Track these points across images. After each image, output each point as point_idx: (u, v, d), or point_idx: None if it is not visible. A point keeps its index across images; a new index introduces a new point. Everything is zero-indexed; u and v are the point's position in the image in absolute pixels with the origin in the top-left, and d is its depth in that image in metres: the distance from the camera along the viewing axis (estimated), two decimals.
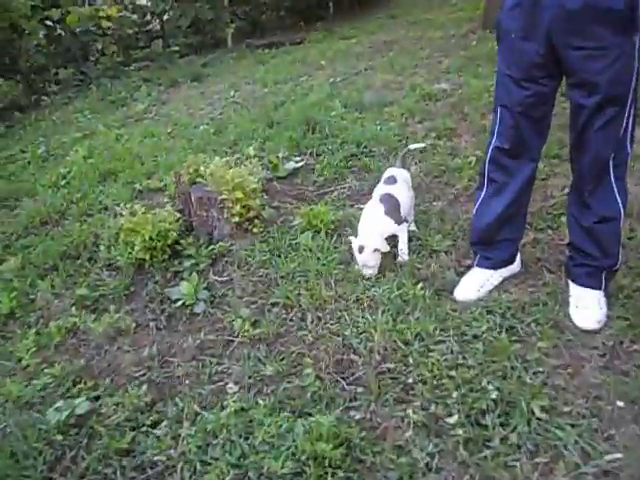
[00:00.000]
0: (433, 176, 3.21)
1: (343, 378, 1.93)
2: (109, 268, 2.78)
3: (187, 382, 2.02)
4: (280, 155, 3.50)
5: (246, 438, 1.70)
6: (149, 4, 7.40)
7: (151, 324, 2.37)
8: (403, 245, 2.46)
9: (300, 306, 2.27)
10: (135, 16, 7.71)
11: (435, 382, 1.83)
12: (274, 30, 8.82)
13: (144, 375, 2.06)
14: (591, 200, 1.98)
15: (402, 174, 2.67)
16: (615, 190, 1.95)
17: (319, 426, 1.63)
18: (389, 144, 3.56)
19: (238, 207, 2.65)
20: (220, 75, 6.31)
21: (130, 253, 2.69)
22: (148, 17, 8.06)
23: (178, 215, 2.80)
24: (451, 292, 2.25)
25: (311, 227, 2.70)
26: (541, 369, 1.83)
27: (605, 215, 1.97)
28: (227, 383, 1.99)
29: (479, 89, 4.39)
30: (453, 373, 1.84)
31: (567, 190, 2.85)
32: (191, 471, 1.63)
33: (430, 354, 1.93)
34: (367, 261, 2.33)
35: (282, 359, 2.05)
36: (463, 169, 3.20)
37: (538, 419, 1.65)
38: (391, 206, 2.43)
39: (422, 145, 3.17)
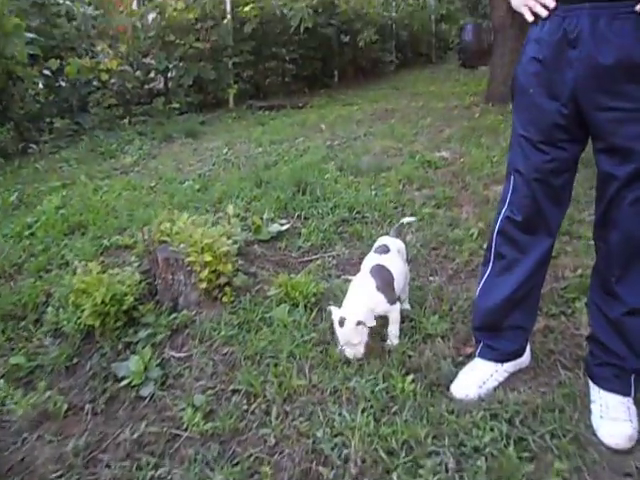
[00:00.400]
0: (431, 248, 2.90)
1: None
2: (54, 334, 2.41)
3: None
4: (264, 217, 3.20)
5: None
6: (153, 61, 7.39)
7: (87, 407, 1.97)
8: (394, 327, 2.10)
9: (265, 396, 1.88)
10: (139, 72, 7.70)
11: None
12: (277, 94, 8.84)
13: (61, 478, 1.65)
14: (619, 288, 1.64)
15: (396, 243, 2.36)
16: None
17: None
18: (384, 211, 3.28)
19: (206, 272, 2.32)
20: (216, 133, 6.17)
21: (79, 318, 2.33)
22: (152, 74, 8.06)
23: (139, 277, 2.46)
24: (447, 387, 1.87)
25: (289, 299, 2.35)
26: None
27: (636, 307, 1.63)
28: None
29: (481, 159, 4.19)
30: None
31: (580, 271, 2.58)
32: None
33: (419, 471, 1.53)
34: (349, 337, 1.94)
35: (236, 464, 1.64)
36: (464, 242, 2.90)
37: None
38: (384, 281, 2.08)
39: (413, 219, 2.84)
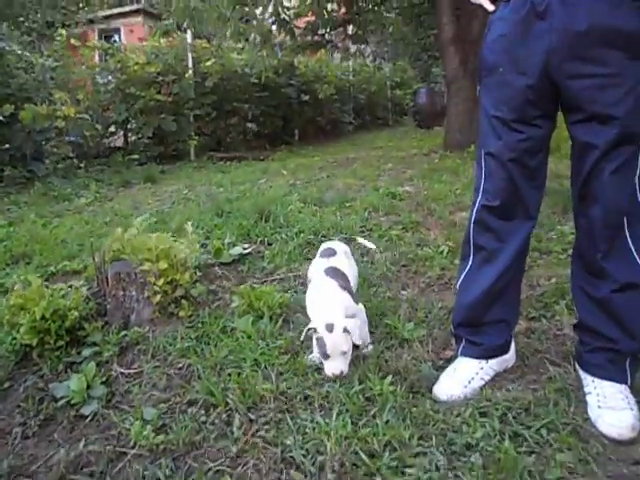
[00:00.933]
0: (401, 265, 2.78)
1: None
2: None
3: None
4: (226, 241, 3.04)
5: None
6: (113, 114, 7.34)
7: (16, 430, 1.68)
8: (364, 332, 1.90)
9: (227, 404, 1.65)
10: (99, 126, 7.62)
11: None
12: (239, 149, 8.88)
13: None
14: (607, 264, 1.54)
15: (340, 246, 2.22)
16: (633, 249, 1.53)
17: None
18: (351, 231, 3.17)
19: (161, 282, 2.11)
20: (176, 179, 6.05)
21: (14, 339, 2.06)
22: (112, 129, 7.99)
23: (86, 293, 2.23)
24: (429, 390, 1.69)
25: (252, 310, 2.16)
26: None
27: (627, 281, 1.52)
28: None
29: (444, 192, 4.20)
30: None
31: (554, 280, 2.50)
32: None
33: (407, 470, 1.32)
34: (339, 344, 1.67)
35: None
36: (434, 259, 2.80)
37: None
38: (342, 280, 1.93)
39: (372, 246, 2.59)
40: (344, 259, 2.10)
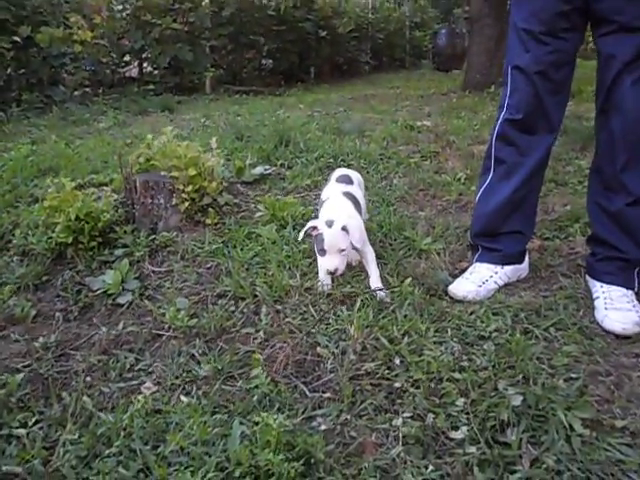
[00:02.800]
0: (418, 189, 2.84)
1: (305, 383, 1.41)
2: (22, 256, 2.23)
3: (88, 379, 1.45)
4: (247, 162, 3.09)
5: (155, 447, 1.14)
6: (127, 42, 7.22)
7: (58, 314, 1.81)
8: (373, 268, 1.82)
9: (255, 296, 1.76)
10: (114, 54, 7.52)
11: (432, 386, 1.32)
12: (254, 83, 8.75)
13: (28, 367, 1.49)
14: (625, 177, 1.60)
15: (356, 175, 2.20)
16: None
17: (266, 430, 1.09)
18: (369, 159, 3.21)
19: (190, 189, 2.19)
20: (193, 109, 6.03)
21: (50, 238, 2.16)
22: (127, 58, 7.88)
23: (117, 198, 2.31)
24: (445, 292, 1.79)
25: (276, 220, 2.24)
26: (574, 375, 1.35)
27: None
28: (144, 382, 1.43)
29: (463, 126, 4.18)
30: (457, 375, 1.34)
31: (569, 207, 2.55)
32: None
33: (424, 353, 1.43)
34: (337, 240, 1.68)
35: (224, 357, 1.51)
36: (452, 184, 2.85)
37: (580, 436, 1.15)
38: (357, 206, 1.94)
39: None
40: (358, 190, 2.11)
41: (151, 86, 7.24)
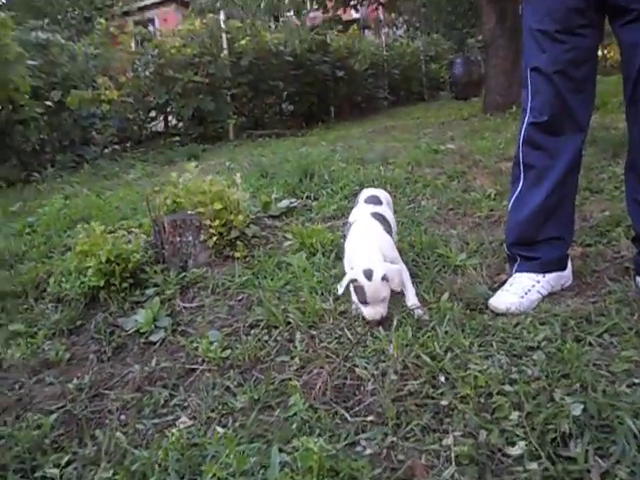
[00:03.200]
0: (448, 209, 2.78)
1: (346, 408, 1.33)
2: (57, 302, 2.24)
3: (122, 417, 1.41)
4: (273, 196, 3.09)
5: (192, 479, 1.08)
6: (152, 98, 7.51)
7: (92, 356, 1.79)
8: (410, 290, 1.74)
9: (288, 324, 1.71)
10: (140, 111, 7.82)
11: (482, 401, 1.23)
12: (276, 127, 8.94)
13: (62, 408, 1.46)
14: None
15: (385, 195, 2.15)
16: None
17: (307, 456, 1.02)
18: (395, 183, 3.17)
19: (216, 223, 2.18)
20: (218, 155, 6.16)
21: (82, 283, 2.18)
22: (152, 114, 8.19)
23: (145, 237, 2.32)
24: (486, 307, 1.70)
25: (305, 248, 2.21)
26: (637, 381, 1.24)
27: None
28: (179, 417, 1.38)
29: (488, 146, 4.12)
30: (508, 388, 1.25)
31: (608, 212, 2.44)
32: None
33: (470, 368, 1.35)
34: (379, 291, 1.62)
35: (260, 387, 1.46)
36: (482, 201, 2.78)
37: None
38: (386, 227, 1.88)
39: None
40: (388, 210, 2.06)
41: (177, 138, 7.50)
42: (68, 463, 1.21)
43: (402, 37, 14.09)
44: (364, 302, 1.64)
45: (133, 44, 7.93)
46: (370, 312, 1.63)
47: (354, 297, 1.68)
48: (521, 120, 1.75)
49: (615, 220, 2.26)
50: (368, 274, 1.62)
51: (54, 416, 1.37)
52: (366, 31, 15.25)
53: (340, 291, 1.67)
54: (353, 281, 1.64)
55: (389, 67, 12.62)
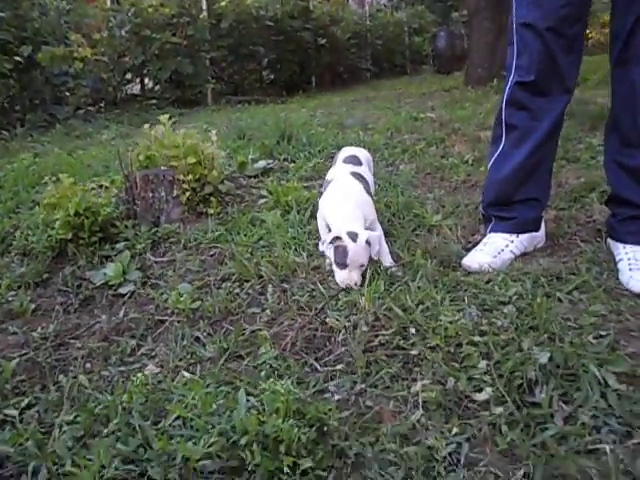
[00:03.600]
0: (426, 173, 2.77)
1: (316, 358, 1.33)
2: (22, 256, 2.17)
3: (87, 365, 1.38)
4: (250, 156, 3.04)
5: (155, 423, 1.06)
6: (128, 58, 7.26)
7: (58, 307, 1.74)
8: (386, 254, 1.70)
9: (260, 277, 1.69)
10: (115, 72, 7.56)
11: (451, 350, 1.24)
12: (256, 94, 8.76)
13: (25, 355, 1.42)
14: None
15: (364, 154, 2.09)
16: None
17: (274, 398, 1.01)
18: (374, 147, 3.14)
19: (190, 178, 2.13)
20: (196, 119, 6.01)
21: (50, 236, 2.11)
22: (128, 75, 7.93)
23: (116, 192, 2.26)
24: (460, 265, 1.70)
25: (280, 205, 2.18)
26: (603, 333, 1.25)
27: None
28: (146, 365, 1.36)
29: (468, 115, 4.11)
30: (477, 338, 1.25)
31: (583, 179, 2.46)
32: (53, 474, 0.97)
33: (441, 320, 1.35)
34: (360, 255, 1.57)
35: (229, 338, 1.44)
36: (459, 166, 2.77)
37: (616, 391, 1.06)
38: (367, 187, 1.84)
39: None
40: (367, 171, 2.02)
41: (153, 101, 7.27)
42: (29, 406, 1.18)
43: (386, 6, 13.85)
44: (343, 264, 1.58)
45: (108, 1, 7.61)
46: (344, 276, 1.58)
47: (331, 257, 1.62)
48: (505, 80, 1.72)
49: (589, 186, 2.28)
50: (353, 236, 1.58)
51: (16, 362, 1.33)
52: (350, 1, 14.95)
53: (322, 247, 1.64)
54: (336, 239, 1.59)
55: (372, 38, 12.41)
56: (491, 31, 6.35)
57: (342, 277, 1.59)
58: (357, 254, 1.57)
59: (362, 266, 1.60)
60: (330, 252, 1.62)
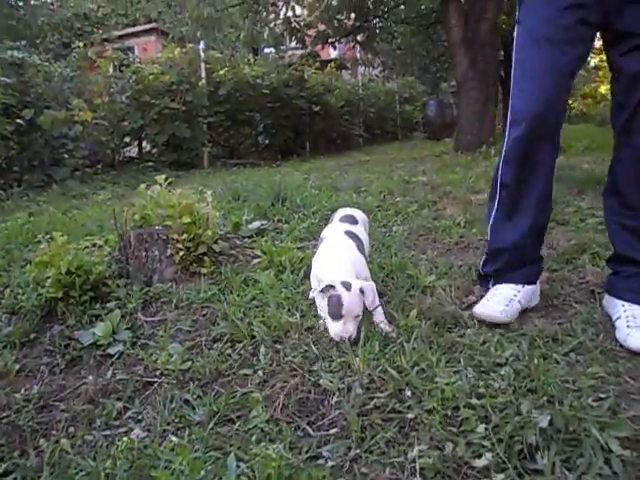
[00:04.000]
0: (418, 235, 2.79)
1: (309, 422, 1.28)
2: (11, 314, 2.13)
3: (71, 429, 1.32)
4: (244, 218, 3.07)
5: None
6: (127, 122, 7.47)
7: (43, 368, 1.69)
8: (378, 309, 1.66)
9: (253, 337, 1.66)
10: (114, 135, 7.76)
11: (449, 414, 1.20)
12: (251, 158, 8.98)
13: (6, 418, 1.36)
14: None
15: (361, 215, 2.11)
16: None
17: (265, 464, 0.97)
18: (367, 208, 3.18)
19: (184, 237, 2.14)
20: (192, 181, 6.12)
21: (39, 295, 2.09)
22: (127, 139, 8.13)
23: (109, 250, 2.25)
24: (455, 326, 1.69)
25: (274, 265, 2.17)
26: (603, 395, 1.23)
27: None
28: (132, 429, 1.30)
29: (459, 179, 4.22)
30: (475, 401, 1.22)
31: (574, 241, 2.49)
32: None
33: (437, 381, 1.32)
34: (355, 305, 1.54)
35: (220, 401, 1.39)
36: (452, 228, 2.81)
37: (620, 456, 1.02)
38: (361, 246, 1.85)
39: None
40: (363, 231, 2.03)
41: (150, 163, 7.42)
42: (6, 473, 1.11)
43: (377, 77, 14.49)
44: (337, 316, 1.55)
45: (111, 69, 7.92)
46: (339, 329, 1.54)
47: (325, 310, 1.59)
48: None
49: (580, 248, 2.30)
50: (346, 285, 1.56)
51: None
52: (343, 71, 15.66)
53: (312, 295, 1.63)
54: (329, 288, 1.56)
55: (364, 106, 12.92)
56: (479, 100, 6.64)
57: (337, 329, 1.55)
58: (352, 303, 1.54)
59: (357, 317, 1.57)
60: (323, 303, 1.59)
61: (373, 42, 8.33)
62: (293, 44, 7.76)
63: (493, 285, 1.78)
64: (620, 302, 1.59)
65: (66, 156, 6.75)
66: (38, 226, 3.39)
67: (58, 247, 2.12)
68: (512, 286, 1.72)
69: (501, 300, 1.67)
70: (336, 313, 1.55)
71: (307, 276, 2.12)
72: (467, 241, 2.60)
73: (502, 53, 7.08)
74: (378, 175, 4.82)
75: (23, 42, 7.97)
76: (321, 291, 1.59)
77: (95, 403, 1.45)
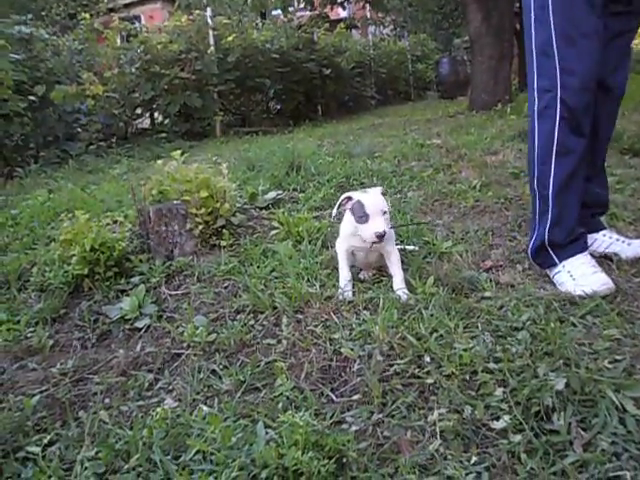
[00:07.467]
0: (434, 200, 2.79)
1: (332, 389, 1.33)
2: (40, 292, 2.21)
3: (106, 400, 1.39)
4: (260, 188, 3.09)
5: (176, 457, 1.07)
6: (138, 94, 7.44)
7: (75, 343, 1.77)
8: (398, 274, 1.72)
9: (274, 309, 1.71)
10: (126, 107, 7.75)
11: (467, 378, 1.24)
12: (263, 125, 8.91)
13: (45, 391, 1.44)
14: None
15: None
16: None
17: (293, 430, 1.02)
18: (382, 175, 3.18)
19: (202, 211, 2.17)
20: (205, 151, 6.12)
21: (66, 272, 2.15)
22: (138, 111, 8.12)
23: (130, 226, 2.30)
24: (472, 291, 1.71)
25: (291, 236, 2.20)
26: (619, 357, 1.25)
27: None
28: (163, 399, 1.37)
29: (474, 140, 4.16)
30: (492, 365, 1.26)
31: None
32: None
33: (455, 347, 1.35)
34: (378, 202, 1.62)
35: (245, 370, 1.45)
36: (467, 192, 2.79)
37: (634, 416, 1.06)
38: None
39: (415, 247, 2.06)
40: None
41: (163, 134, 7.43)
42: (51, 443, 1.19)
43: (389, 36, 14.12)
44: (364, 217, 1.60)
45: (119, 40, 7.85)
46: (371, 228, 1.58)
47: (352, 221, 1.65)
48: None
49: None
50: (364, 192, 1.67)
51: (36, 398, 1.35)
52: (353, 31, 15.27)
53: (334, 212, 1.72)
54: (347, 200, 1.66)
55: (376, 66, 12.64)
56: (493, 57, 6.47)
57: (368, 231, 1.60)
58: (374, 202, 1.62)
59: (384, 213, 1.62)
60: (349, 217, 1.68)
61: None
62: (302, 5, 7.54)
63: (566, 258, 1.70)
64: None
65: (80, 130, 6.79)
66: (58, 203, 3.46)
67: (81, 225, 2.18)
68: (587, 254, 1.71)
69: (596, 266, 1.65)
70: (362, 214, 1.61)
71: (325, 246, 2.16)
72: (483, 205, 2.60)
73: (517, 5, 6.81)
74: (392, 139, 4.78)
75: (29, 16, 7.91)
76: (339, 206, 1.68)
77: (127, 375, 1.52)
